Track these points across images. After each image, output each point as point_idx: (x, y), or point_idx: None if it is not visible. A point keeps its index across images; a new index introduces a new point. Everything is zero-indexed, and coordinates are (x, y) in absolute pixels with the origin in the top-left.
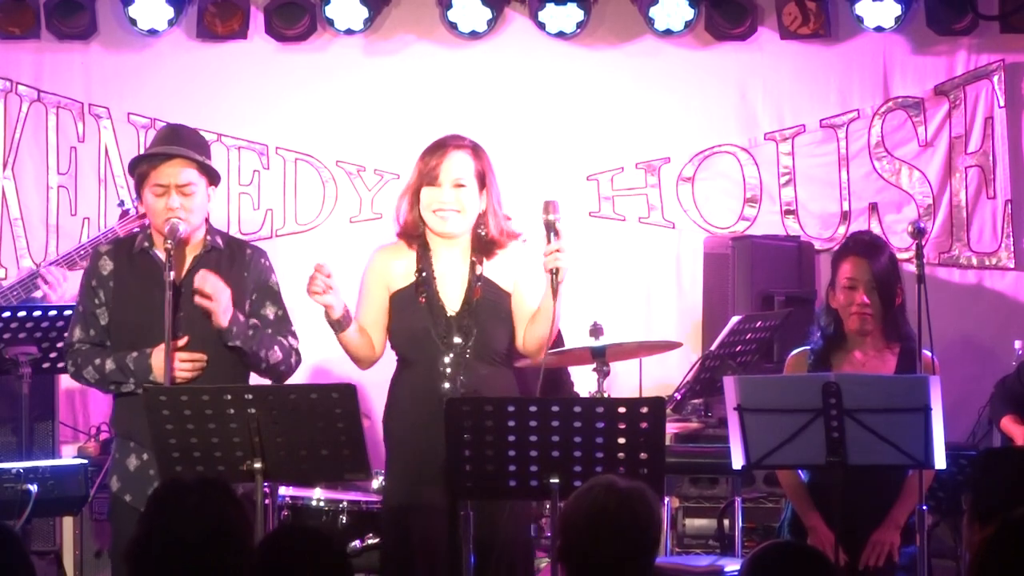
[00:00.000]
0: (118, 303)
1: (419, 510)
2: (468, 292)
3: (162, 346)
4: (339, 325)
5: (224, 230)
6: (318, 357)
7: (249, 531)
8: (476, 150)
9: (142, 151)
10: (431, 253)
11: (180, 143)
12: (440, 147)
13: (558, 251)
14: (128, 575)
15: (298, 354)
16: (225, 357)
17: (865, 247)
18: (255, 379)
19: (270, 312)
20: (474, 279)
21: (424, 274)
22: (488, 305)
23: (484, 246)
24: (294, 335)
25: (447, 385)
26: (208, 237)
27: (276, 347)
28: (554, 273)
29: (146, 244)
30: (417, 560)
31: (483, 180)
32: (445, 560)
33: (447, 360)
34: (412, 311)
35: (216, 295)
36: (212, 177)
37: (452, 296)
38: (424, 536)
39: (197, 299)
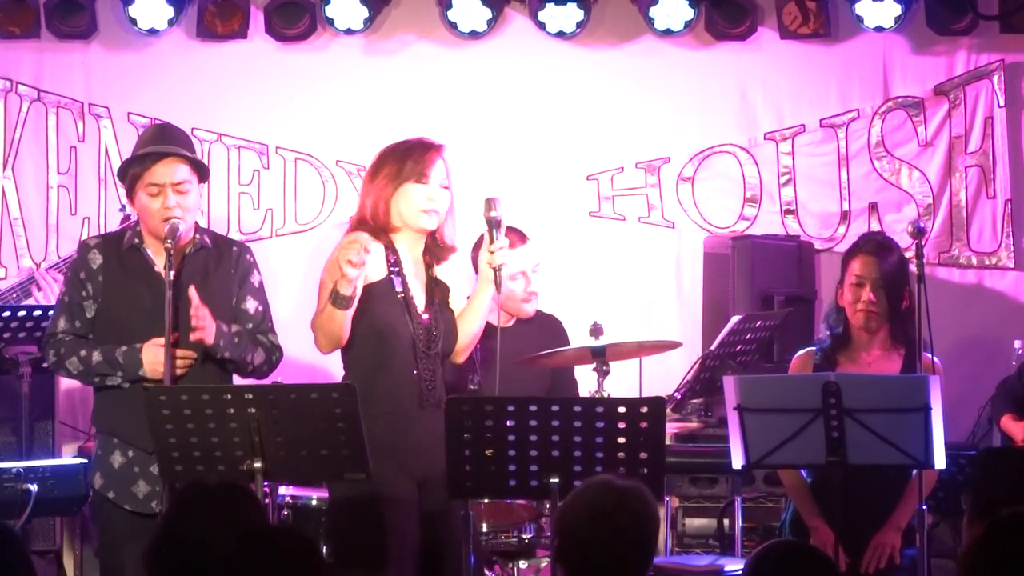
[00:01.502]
0: (107, 297)
1: (393, 502)
2: (429, 291)
3: (151, 341)
4: (345, 302)
5: (224, 229)
6: (315, 357)
7: None
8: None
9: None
10: (396, 249)
11: (171, 141)
12: (427, 147)
13: (502, 248)
14: None
15: (280, 350)
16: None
17: (876, 246)
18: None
19: (251, 307)
20: (432, 280)
21: (397, 269)
22: (444, 305)
23: (437, 251)
24: (274, 331)
25: (424, 381)
26: (197, 236)
27: (259, 347)
28: (498, 269)
29: (136, 241)
30: (392, 552)
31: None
32: (415, 552)
33: (422, 355)
34: (390, 303)
35: (204, 323)
36: (203, 174)
37: (417, 294)
38: (399, 528)
39: (192, 336)
